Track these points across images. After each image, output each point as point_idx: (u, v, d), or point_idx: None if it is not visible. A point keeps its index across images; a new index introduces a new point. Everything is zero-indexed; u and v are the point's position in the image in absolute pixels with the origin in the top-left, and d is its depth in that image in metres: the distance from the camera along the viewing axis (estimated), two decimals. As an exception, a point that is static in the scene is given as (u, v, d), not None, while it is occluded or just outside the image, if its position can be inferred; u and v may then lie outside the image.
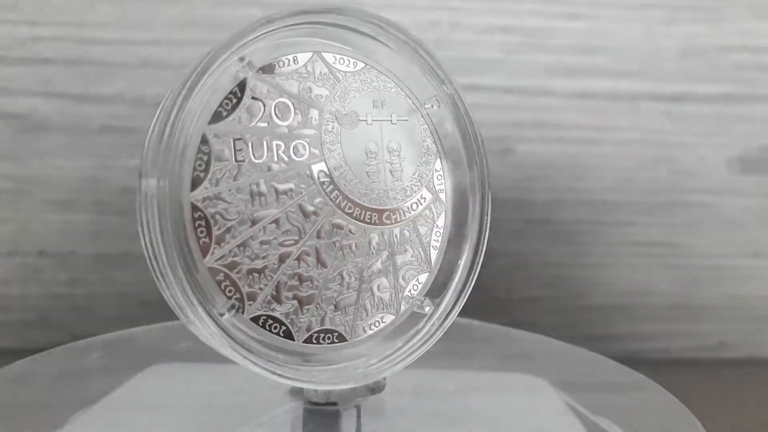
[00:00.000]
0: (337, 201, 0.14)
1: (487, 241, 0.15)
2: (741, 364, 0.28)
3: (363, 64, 0.14)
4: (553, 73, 0.27)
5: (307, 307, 0.13)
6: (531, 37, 0.27)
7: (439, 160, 0.15)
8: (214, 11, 0.25)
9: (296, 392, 0.14)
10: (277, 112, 0.13)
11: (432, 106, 0.15)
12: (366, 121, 0.14)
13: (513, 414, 0.15)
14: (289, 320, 0.13)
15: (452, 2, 0.26)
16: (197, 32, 0.25)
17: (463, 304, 0.15)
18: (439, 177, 0.15)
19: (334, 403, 0.14)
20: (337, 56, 0.14)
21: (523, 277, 0.27)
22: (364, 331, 0.14)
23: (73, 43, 0.25)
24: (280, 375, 0.13)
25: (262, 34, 0.13)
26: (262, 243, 0.13)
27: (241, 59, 0.13)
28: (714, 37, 0.27)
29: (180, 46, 0.25)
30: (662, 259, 0.28)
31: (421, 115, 0.15)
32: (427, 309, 0.15)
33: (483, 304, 0.27)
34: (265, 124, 0.13)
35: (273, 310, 0.13)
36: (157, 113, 0.12)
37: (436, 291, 0.15)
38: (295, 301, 0.13)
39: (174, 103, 0.12)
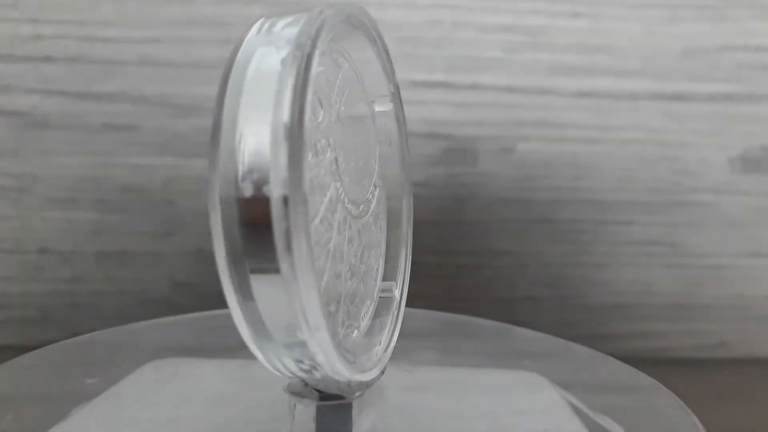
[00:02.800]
0: (342, 197, 0.14)
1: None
2: (742, 364, 0.28)
3: (346, 62, 0.14)
4: (554, 72, 0.27)
5: (337, 303, 0.13)
6: (532, 36, 0.27)
7: (379, 155, 0.16)
8: (215, 9, 0.26)
9: (295, 388, 0.14)
10: (313, 109, 0.13)
11: (386, 104, 0.15)
12: (350, 117, 0.14)
13: (513, 411, 0.15)
14: (332, 319, 0.13)
15: (454, 1, 0.26)
16: (198, 30, 0.26)
17: (407, 289, 0.16)
18: (380, 171, 0.16)
19: (341, 396, 0.14)
20: (338, 53, 0.14)
21: (524, 276, 0.27)
22: (362, 319, 0.14)
23: (75, 41, 0.25)
24: (351, 375, 0.12)
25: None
26: (316, 245, 0.13)
27: None
28: (716, 36, 0.27)
29: (181, 45, 0.26)
30: (663, 258, 0.28)
31: (372, 112, 0.15)
32: (395, 293, 0.15)
33: (484, 302, 0.28)
34: (307, 121, 0.13)
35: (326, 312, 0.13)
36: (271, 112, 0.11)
37: (389, 275, 0.16)
38: (334, 300, 0.13)
39: (279, 104, 0.11)
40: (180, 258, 0.26)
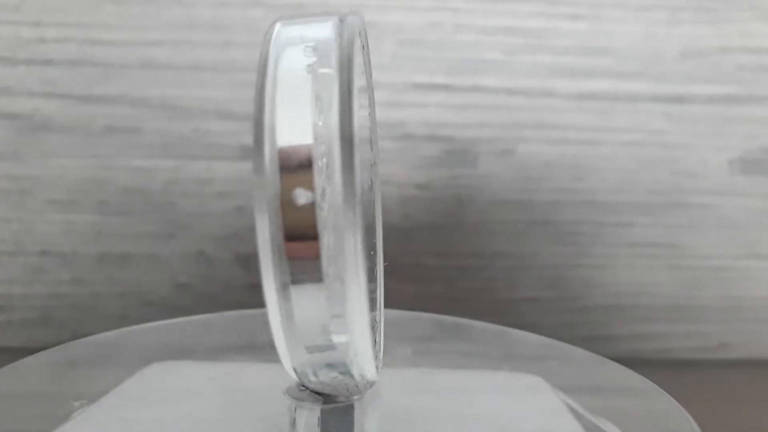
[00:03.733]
0: None
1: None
2: (742, 365, 0.28)
3: None
4: (554, 74, 0.27)
5: None
6: (533, 38, 0.27)
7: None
8: (216, 12, 0.26)
9: (295, 392, 0.14)
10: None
11: (365, 108, 0.15)
12: None
13: (512, 414, 0.15)
14: None
15: (454, 3, 0.26)
16: (200, 33, 0.26)
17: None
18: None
19: (339, 400, 0.14)
20: None
21: (524, 277, 0.27)
22: None
23: (76, 44, 0.25)
24: (375, 375, 0.13)
25: None
26: None
27: None
28: (715, 38, 0.27)
29: (182, 47, 0.26)
30: (663, 259, 0.28)
31: None
32: (378, 294, 0.15)
33: (484, 304, 0.28)
34: (356, 129, 0.13)
35: None
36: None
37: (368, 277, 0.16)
38: None
39: (326, 110, 0.11)
40: (181, 260, 0.26)
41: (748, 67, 0.27)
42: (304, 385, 0.14)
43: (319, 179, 0.11)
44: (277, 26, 0.12)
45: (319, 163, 0.11)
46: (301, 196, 0.11)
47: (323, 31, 0.12)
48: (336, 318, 0.11)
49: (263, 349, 0.17)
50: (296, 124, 0.11)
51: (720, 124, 0.27)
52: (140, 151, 0.26)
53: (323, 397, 0.14)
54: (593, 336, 0.28)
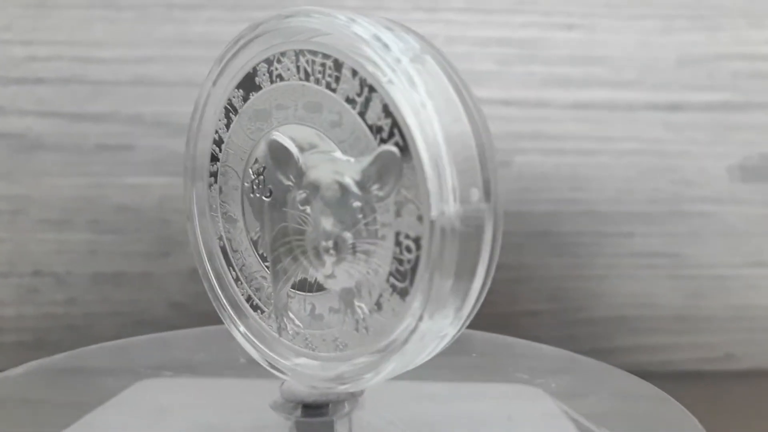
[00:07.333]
0: None
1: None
2: (748, 376, 0.27)
3: None
4: (549, 84, 0.27)
5: None
6: (527, 48, 0.27)
7: None
8: (208, 28, 0.26)
9: (279, 405, 0.14)
10: None
11: None
12: None
13: (509, 423, 0.15)
14: None
15: (447, 15, 0.26)
16: (191, 49, 0.26)
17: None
18: None
19: (326, 412, 0.14)
20: None
21: (525, 290, 0.27)
22: None
23: (68, 62, 0.25)
24: None
25: None
26: None
27: None
28: (711, 45, 0.27)
29: (174, 64, 0.26)
30: (664, 269, 0.27)
31: None
32: None
33: (485, 318, 0.27)
34: None
35: None
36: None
37: None
38: None
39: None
40: (175, 278, 0.26)
41: (743, 74, 0.27)
42: (292, 398, 0.13)
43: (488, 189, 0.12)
44: (376, 50, 0.12)
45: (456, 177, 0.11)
46: (466, 206, 0.12)
47: (414, 48, 0.12)
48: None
49: (249, 365, 0.16)
50: (430, 137, 0.11)
51: (718, 132, 0.27)
52: (133, 169, 0.26)
53: (311, 410, 0.13)
54: (596, 349, 0.27)
